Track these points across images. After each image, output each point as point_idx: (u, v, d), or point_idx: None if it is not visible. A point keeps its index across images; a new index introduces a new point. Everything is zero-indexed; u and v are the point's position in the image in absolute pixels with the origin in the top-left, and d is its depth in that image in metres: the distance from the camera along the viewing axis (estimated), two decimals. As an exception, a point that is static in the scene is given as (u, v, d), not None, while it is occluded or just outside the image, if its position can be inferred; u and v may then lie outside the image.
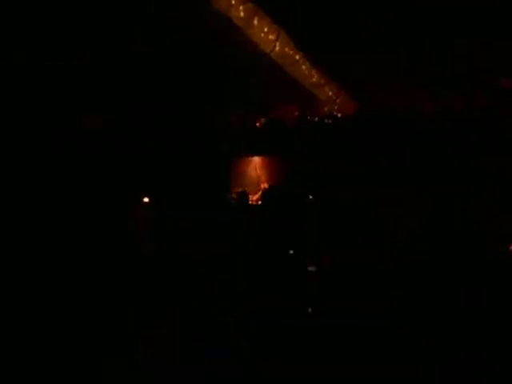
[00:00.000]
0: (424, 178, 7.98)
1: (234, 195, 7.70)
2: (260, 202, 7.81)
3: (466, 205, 7.46)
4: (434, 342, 4.98)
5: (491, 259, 6.47)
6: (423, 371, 4.56)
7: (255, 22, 7.63)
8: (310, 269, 6.61)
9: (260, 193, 8.13)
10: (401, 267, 6.61)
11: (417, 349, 4.90)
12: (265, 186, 8.64)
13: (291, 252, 7.13)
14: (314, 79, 9.01)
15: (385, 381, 4.52)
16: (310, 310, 5.89)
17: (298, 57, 8.41)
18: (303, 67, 8.57)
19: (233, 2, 7.26)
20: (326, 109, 9.82)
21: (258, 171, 9.86)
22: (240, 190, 7.79)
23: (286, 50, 7.92)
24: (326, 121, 9.68)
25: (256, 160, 9.90)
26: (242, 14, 7.64)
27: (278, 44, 7.95)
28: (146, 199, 7.30)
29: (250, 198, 7.87)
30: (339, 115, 9.79)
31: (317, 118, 9.72)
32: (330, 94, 9.43)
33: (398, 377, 4.48)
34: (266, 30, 7.76)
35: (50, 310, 5.92)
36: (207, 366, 5.11)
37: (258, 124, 9.43)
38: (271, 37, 7.82)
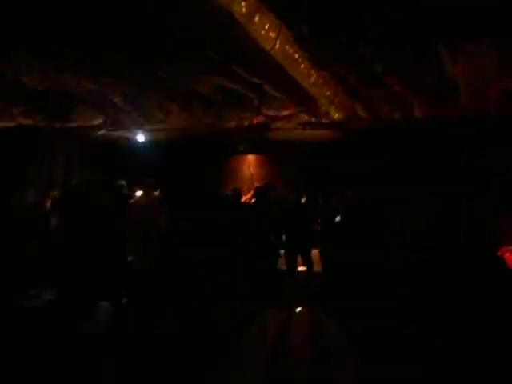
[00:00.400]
0: (431, 177, 7.94)
1: (227, 193, 7.68)
2: (253, 201, 7.75)
3: (473, 203, 7.43)
4: (440, 341, 4.96)
5: (497, 257, 6.45)
6: (430, 370, 4.53)
7: (256, 18, 7.52)
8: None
9: (253, 191, 8.06)
10: (407, 265, 6.59)
11: (423, 347, 4.88)
12: (258, 184, 8.56)
13: (282, 252, 7.15)
14: (313, 79, 8.94)
15: (391, 379, 4.49)
16: None
17: (297, 55, 8.33)
18: (302, 66, 8.47)
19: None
20: (323, 108, 9.78)
21: (252, 170, 9.86)
22: (233, 188, 7.75)
23: (287, 47, 7.79)
24: (323, 121, 9.64)
25: (250, 158, 9.91)
26: (243, 9, 7.51)
27: (278, 42, 7.85)
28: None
29: (243, 197, 7.83)
30: (336, 115, 9.73)
31: (314, 118, 9.67)
32: (328, 93, 9.37)
33: (404, 375, 4.45)
34: (266, 27, 7.64)
35: (50, 310, 5.95)
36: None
37: (254, 122, 9.38)
38: (272, 34, 7.70)
